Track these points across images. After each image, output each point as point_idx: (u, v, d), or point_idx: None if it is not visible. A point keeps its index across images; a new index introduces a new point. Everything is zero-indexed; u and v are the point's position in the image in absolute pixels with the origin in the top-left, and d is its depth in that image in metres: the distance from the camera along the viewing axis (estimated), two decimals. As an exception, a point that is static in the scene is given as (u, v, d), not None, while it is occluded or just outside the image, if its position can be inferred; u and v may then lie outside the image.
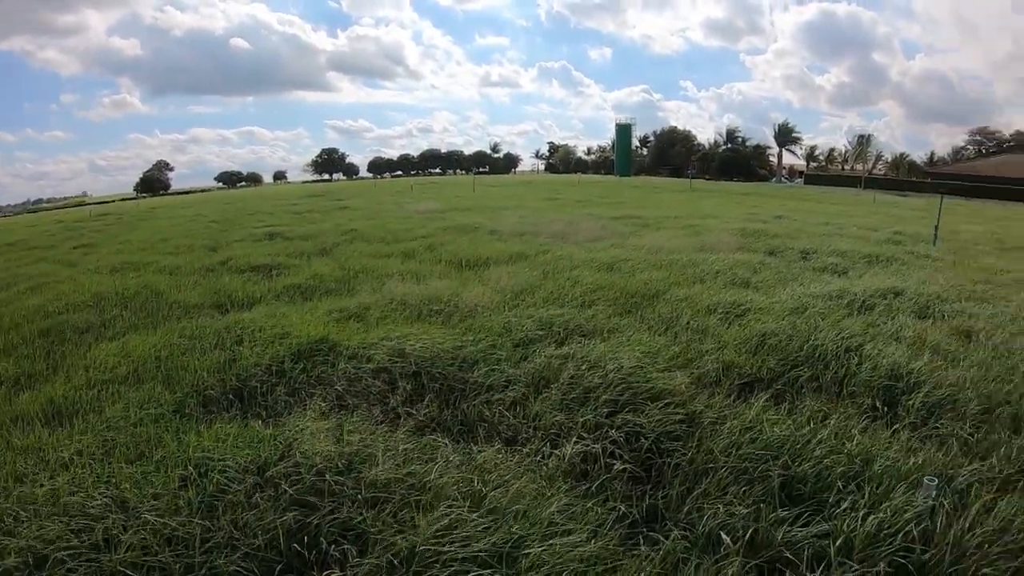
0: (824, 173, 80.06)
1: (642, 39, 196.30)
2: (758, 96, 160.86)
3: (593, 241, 10.42)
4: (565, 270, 7.49)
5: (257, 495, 2.85)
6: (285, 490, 2.85)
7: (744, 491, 2.92)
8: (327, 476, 2.93)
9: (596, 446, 3.31)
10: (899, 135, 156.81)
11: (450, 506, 2.73)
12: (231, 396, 4.08)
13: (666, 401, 3.68)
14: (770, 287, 6.81)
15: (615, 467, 3.19)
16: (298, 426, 3.44)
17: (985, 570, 2.49)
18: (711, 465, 3.12)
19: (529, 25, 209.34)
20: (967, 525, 2.64)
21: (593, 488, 3.06)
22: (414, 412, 3.81)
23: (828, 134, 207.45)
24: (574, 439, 3.38)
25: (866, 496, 2.83)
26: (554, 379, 4.00)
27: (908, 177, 75.50)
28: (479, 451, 3.31)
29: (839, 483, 2.95)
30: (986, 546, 2.56)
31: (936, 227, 12.63)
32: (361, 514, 2.74)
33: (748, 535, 2.65)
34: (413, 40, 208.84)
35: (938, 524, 2.66)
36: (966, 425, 3.63)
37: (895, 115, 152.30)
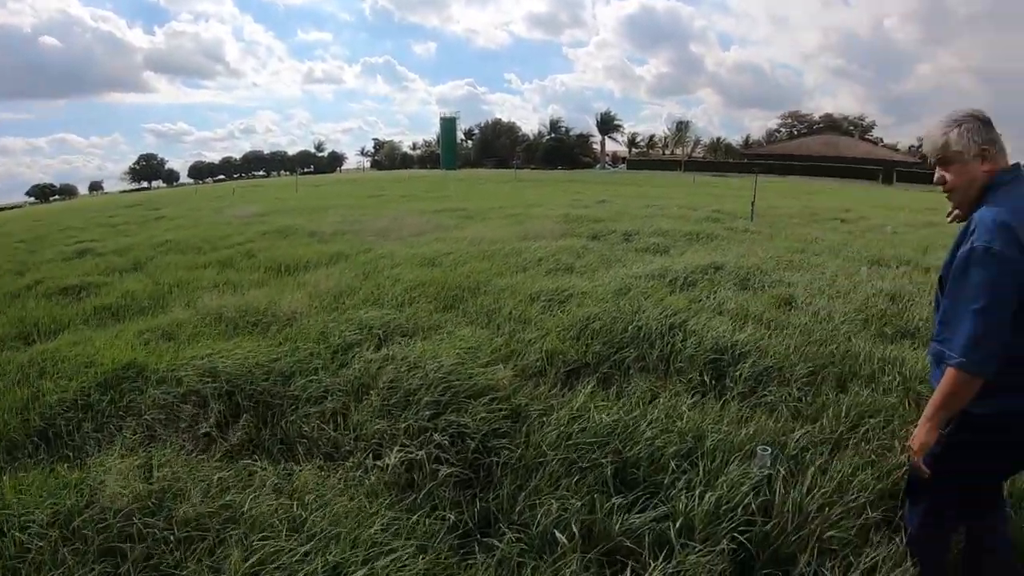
0: (646, 158, 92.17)
1: (466, 33, 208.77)
2: (581, 87, 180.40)
3: (417, 236, 10.63)
4: (386, 268, 7.56)
5: (63, 550, 2.62)
6: (92, 540, 2.65)
7: (577, 482, 3.06)
8: (135, 519, 2.74)
9: (420, 452, 3.33)
10: (716, 121, 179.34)
11: (266, 536, 2.63)
12: (35, 438, 3.82)
13: (490, 397, 3.77)
14: (593, 271, 7.33)
15: (441, 473, 3.22)
16: (105, 465, 3.15)
17: (830, 532, 2.69)
18: (541, 460, 3.24)
19: (353, 20, 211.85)
20: (804, 490, 2.87)
21: (420, 498, 3.07)
22: (228, 436, 3.69)
23: (649, 121, 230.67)
24: (396, 447, 3.37)
25: (701, 473, 3.02)
26: (374, 385, 3.99)
27: (726, 159, 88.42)
28: (299, 470, 3.25)
29: (672, 463, 3.13)
30: (827, 508, 2.79)
31: (753, 203, 14.45)
32: (173, 556, 2.59)
33: (584, 528, 2.77)
34: (234, 36, 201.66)
35: (776, 493, 2.84)
36: (793, 390, 4.08)
37: (712, 102, 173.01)
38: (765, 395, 4.05)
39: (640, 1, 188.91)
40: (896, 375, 4.31)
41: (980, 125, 2.23)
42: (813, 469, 3.02)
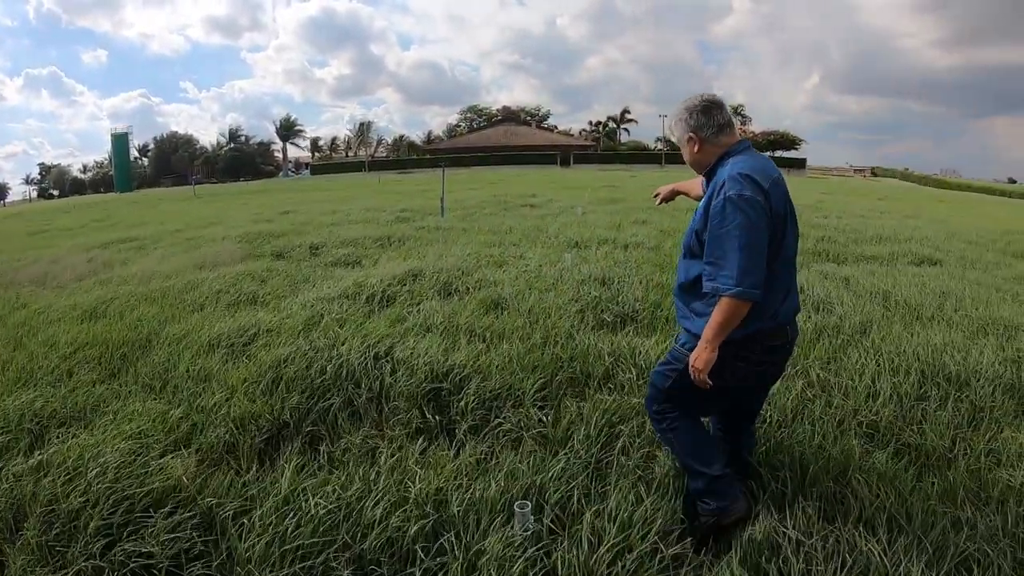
0: (330, 162, 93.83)
1: (140, 39, 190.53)
2: (260, 93, 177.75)
3: (79, 280, 8.95)
4: (41, 329, 6.06)
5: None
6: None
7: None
8: None
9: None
10: (398, 119, 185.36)
11: None
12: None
13: (173, 504, 2.97)
14: (280, 298, 6.75)
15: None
16: None
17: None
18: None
19: (15, 25, 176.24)
20: (585, 546, 2.67)
21: None
22: None
23: (331, 124, 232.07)
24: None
25: (459, 558, 2.60)
26: (31, 511, 2.92)
27: (409, 156, 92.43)
28: None
29: (419, 550, 2.67)
30: (618, 562, 2.60)
31: (442, 198, 14.62)
32: None
33: None
34: None
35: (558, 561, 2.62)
36: (530, 410, 3.90)
37: (393, 101, 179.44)
38: (500, 423, 3.78)
39: (321, 3, 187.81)
40: (631, 368, 4.43)
41: (692, 115, 2.82)
42: (588, 515, 2.83)
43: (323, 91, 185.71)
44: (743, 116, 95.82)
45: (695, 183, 3.39)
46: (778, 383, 3.90)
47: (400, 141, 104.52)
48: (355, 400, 4.11)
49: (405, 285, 6.75)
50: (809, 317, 5.76)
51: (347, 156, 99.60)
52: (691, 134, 2.82)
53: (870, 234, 11.95)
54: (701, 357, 2.64)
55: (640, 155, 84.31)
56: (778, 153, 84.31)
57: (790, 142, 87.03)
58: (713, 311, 2.62)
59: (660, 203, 3.74)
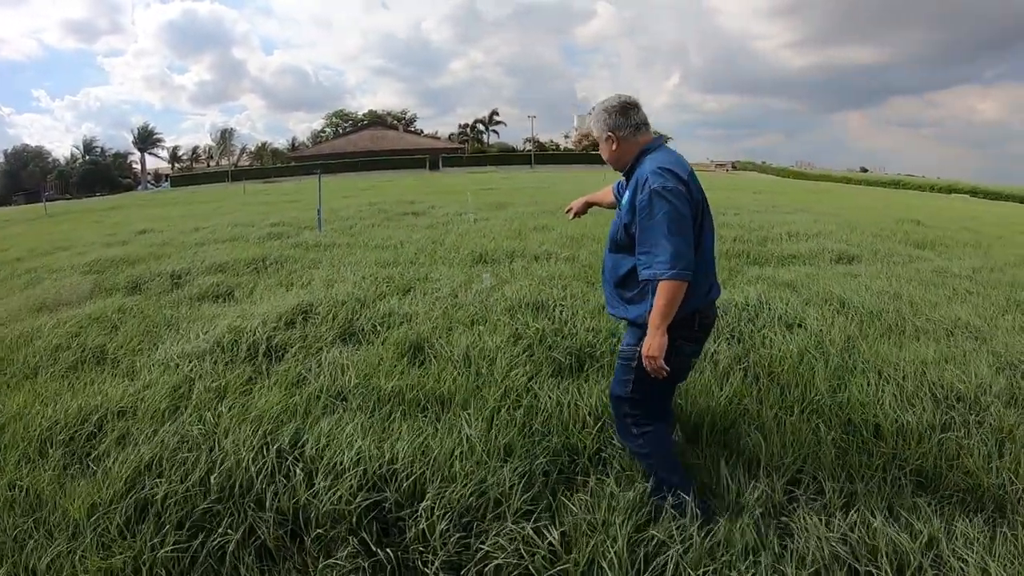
0: (191, 172, 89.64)
1: None
2: (118, 101, 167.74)
3: None
4: None
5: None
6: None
7: None
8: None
9: None
10: (261, 126, 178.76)
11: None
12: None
13: None
14: (135, 353, 5.19)
15: None
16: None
17: None
18: None
19: None
20: None
21: None
22: None
23: (192, 133, 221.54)
24: None
25: None
26: None
27: (274, 164, 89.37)
28: None
29: None
30: None
31: (319, 210, 13.15)
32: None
33: None
34: None
35: None
36: (523, 524, 2.85)
37: (256, 107, 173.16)
38: (488, 554, 2.67)
39: (182, 5, 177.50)
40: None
41: (610, 115, 2.97)
42: None
43: (183, 98, 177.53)
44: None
45: (605, 193, 3.60)
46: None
47: (264, 148, 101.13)
48: (260, 530, 2.79)
49: (295, 327, 5.45)
50: (786, 335, 5.19)
51: (209, 166, 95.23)
52: (609, 133, 2.98)
53: (776, 231, 11.59)
54: (653, 344, 2.70)
55: (510, 157, 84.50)
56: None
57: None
58: (654, 298, 2.71)
59: (574, 217, 3.85)
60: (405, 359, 4.68)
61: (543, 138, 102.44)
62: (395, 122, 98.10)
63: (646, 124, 3.00)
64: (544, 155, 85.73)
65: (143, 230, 16.34)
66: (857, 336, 5.34)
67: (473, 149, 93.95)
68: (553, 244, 9.63)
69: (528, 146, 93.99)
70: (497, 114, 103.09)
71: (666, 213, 2.67)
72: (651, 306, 2.73)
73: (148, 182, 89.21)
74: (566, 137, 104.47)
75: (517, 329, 5.18)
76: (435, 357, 4.70)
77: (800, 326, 5.57)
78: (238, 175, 71.96)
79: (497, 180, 39.40)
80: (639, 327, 2.91)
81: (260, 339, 5.09)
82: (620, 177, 3.18)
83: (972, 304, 6.62)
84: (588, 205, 3.76)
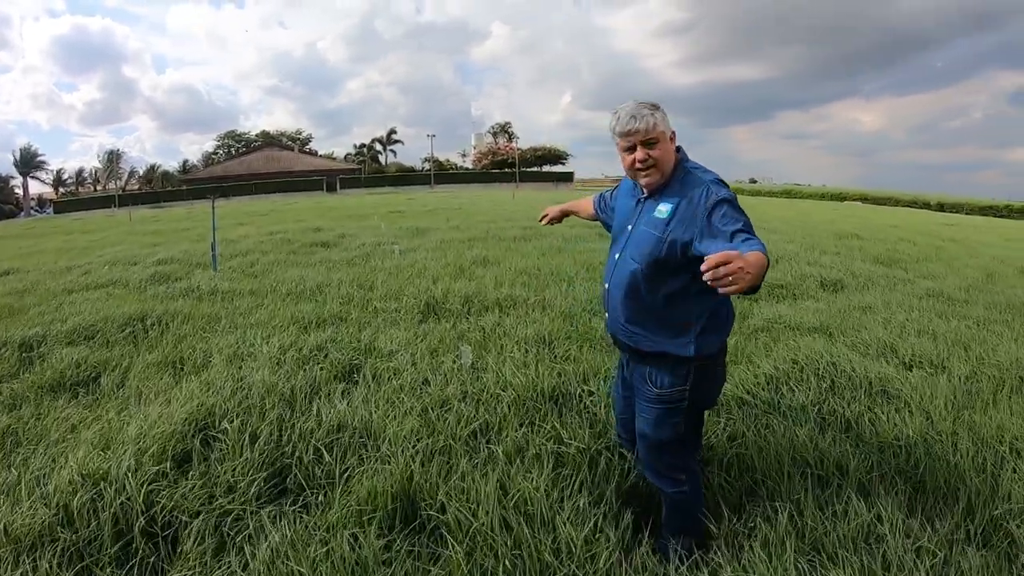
0: (76, 197, 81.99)
1: None
2: (3, 121, 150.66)
3: None
4: None
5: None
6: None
7: None
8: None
9: None
10: (151, 147, 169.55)
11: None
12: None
13: None
14: None
15: None
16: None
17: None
18: None
19: None
20: None
21: None
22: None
23: (80, 155, 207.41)
24: None
25: None
26: None
27: (164, 187, 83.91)
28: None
29: None
30: None
31: (213, 245, 10.76)
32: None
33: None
34: None
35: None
36: None
37: (147, 128, 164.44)
38: None
39: (72, 20, 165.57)
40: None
41: (663, 113, 2.57)
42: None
43: (72, 118, 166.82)
44: (509, 133, 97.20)
45: (584, 203, 3.40)
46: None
47: (153, 171, 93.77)
48: None
49: (190, 469, 3.29)
50: (884, 413, 4.04)
51: (96, 190, 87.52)
52: (673, 131, 2.61)
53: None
54: (749, 261, 1.95)
55: (410, 177, 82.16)
56: (546, 168, 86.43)
57: (557, 157, 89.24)
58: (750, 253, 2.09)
59: (548, 223, 3.55)
60: (397, 545, 2.69)
61: (440, 157, 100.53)
62: (290, 143, 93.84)
63: None
64: (443, 174, 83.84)
65: (6, 271, 13.28)
66: (947, 397, 4.27)
67: (371, 169, 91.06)
68: (510, 284, 7.80)
69: (427, 165, 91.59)
70: (395, 133, 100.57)
71: (739, 210, 2.36)
72: (695, 342, 2.51)
73: (33, 208, 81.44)
74: (463, 156, 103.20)
75: (551, 446, 3.42)
76: (447, 532, 2.76)
77: (884, 393, 4.38)
78: (125, 200, 66.02)
79: (402, 201, 36.96)
80: (683, 363, 2.56)
81: (133, 503, 2.93)
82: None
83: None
84: (566, 214, 3.54)
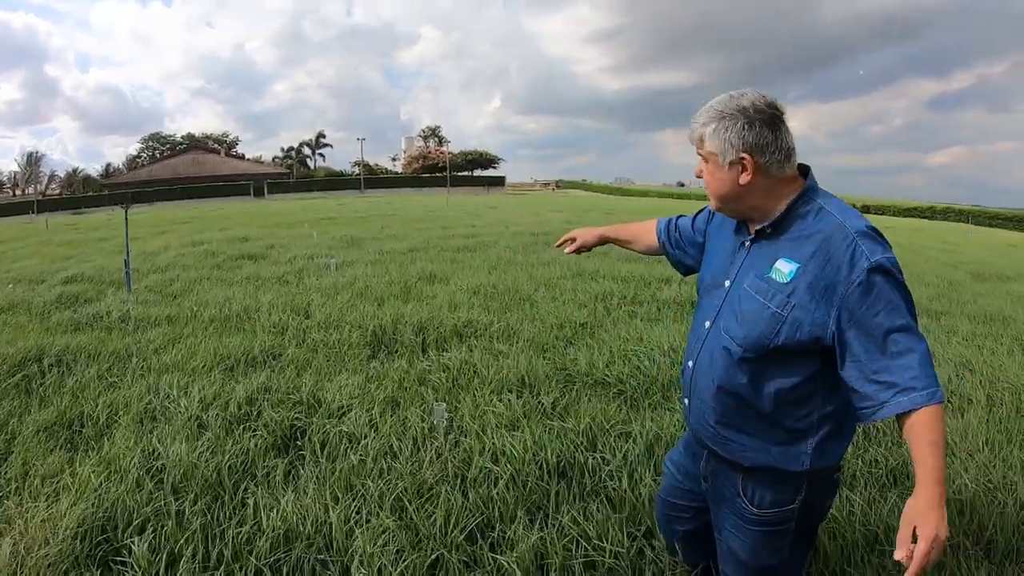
0: None
1: None
2: None
3: None
4: None
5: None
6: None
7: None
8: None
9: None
10: (73, 150, 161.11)
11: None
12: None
13: None
14: None
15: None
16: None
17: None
18: None
19: None
20: None
21: None
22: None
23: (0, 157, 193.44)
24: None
25: None
26: None
27: (85, 192, 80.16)
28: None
29: None
30: None
31: (127, 262, 9.45)
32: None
33: None
34: None
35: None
36: None
37: (69, 129, 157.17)
38: None
39: None
40: None
41: (751, 124, 1.62)
42: None
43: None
44: (440, 138, 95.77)
45: (639, 229, 2.34)
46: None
47: (75, 175, 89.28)
48: None
49: None
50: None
51: (14, 195, 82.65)
52: (745, 155, 1.64)
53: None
54: (937, 526, 1.41)
55: (338, 182, 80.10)
56: (477, 172, 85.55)
57: (488, 161, 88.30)
58: (921, 440, 1.48)
59: (574, 252, 2.45)
60: None
61: (370, 161, 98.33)
62: (216, 145, 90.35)
63: (794, 150, 1.67)
64: (374, 179, 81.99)
65: None
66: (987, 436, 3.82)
67: (299, 174, 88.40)
68: (467, 308, 6.86)
69: (357, 169, 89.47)
70: (324, 136, 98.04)
71: (904, 301, 1.55)
72: (812, 453, 1.72)
73: (-57, 215, 75.69)
74: (394, 160, 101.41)
75: (579, 552, 2.59)
76: None
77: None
78: (44, 206, 62.44)
79: (332, 207, 35.37)
80: (793, 479, 1.76)
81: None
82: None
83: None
84: (604, 242, 2.44)
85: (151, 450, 3.55)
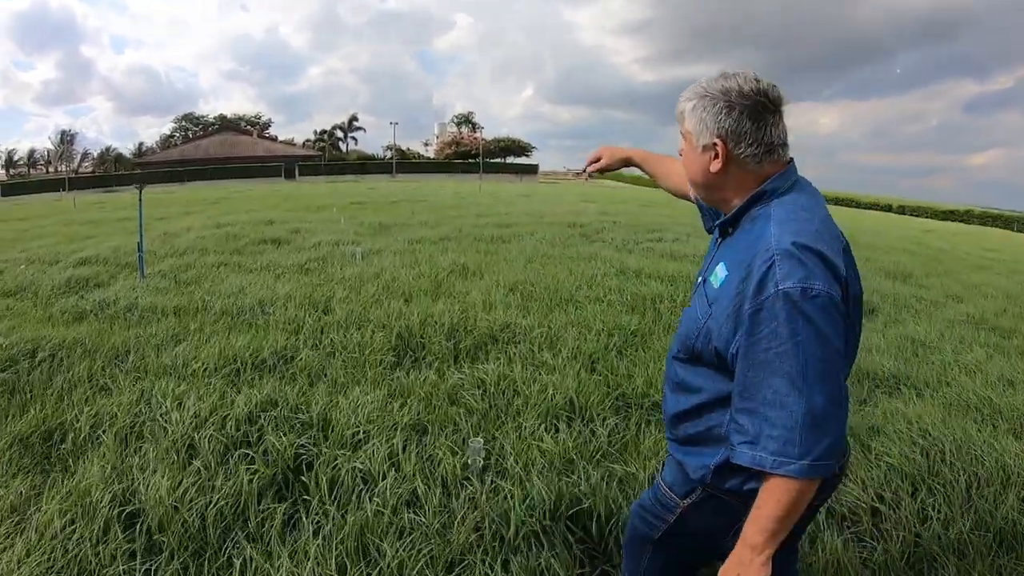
0: (26, 180, 78.58)
1: None
2: None
3: None
4: None
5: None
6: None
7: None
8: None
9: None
10: (107, 130, 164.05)
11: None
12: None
13: None
14: None
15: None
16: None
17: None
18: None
19: None
20: None
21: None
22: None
23: (35, 136, 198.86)
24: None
25: None
26: None
27: (116, 171, 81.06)
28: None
29: None
30: None
31: (140, 245, 8.91)
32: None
33: None
34: None
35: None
36: None
37: (104, 110, 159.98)
38: None
39: None
40: None
41: (732, 108, 1.44)
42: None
43: (28, 97, 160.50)
44: (473, 124, 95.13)
45: (674, 168, 2.09)
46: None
47: (107, 154, 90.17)
48: None
49: None
50: None
51: (47, 172, 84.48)
52: (717, 140, 1.48)
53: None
54: (751, 571, 1.33)
55: (370, 165, 79.91)
56: (509, 159, 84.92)
57: (521, 149, 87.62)
58: (760, 495, 1.35)
59: (593, 173, 2.29)
60: None
61: (402, 146, 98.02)
62: (249, 127, 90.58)
63: (784, 145, 1.49)
64: (405, 163, 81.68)
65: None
66: None
67: (331, 157, 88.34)
68: (503, 307, 6.17)
69: (389, 154, 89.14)
70: (356, 119, 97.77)
71: (803, 343, 1.27)
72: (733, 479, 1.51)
73: (-23, 191, 77.16)
74: (426, 145, 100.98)
75: None
76: None
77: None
78: (75, 184, 63.16)
79: (363, 191, 34.86)
80: (691, 481, 1.61)
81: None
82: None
83: None
84: (626, 163, 2.26)
85: (128, 484, 2.95)
